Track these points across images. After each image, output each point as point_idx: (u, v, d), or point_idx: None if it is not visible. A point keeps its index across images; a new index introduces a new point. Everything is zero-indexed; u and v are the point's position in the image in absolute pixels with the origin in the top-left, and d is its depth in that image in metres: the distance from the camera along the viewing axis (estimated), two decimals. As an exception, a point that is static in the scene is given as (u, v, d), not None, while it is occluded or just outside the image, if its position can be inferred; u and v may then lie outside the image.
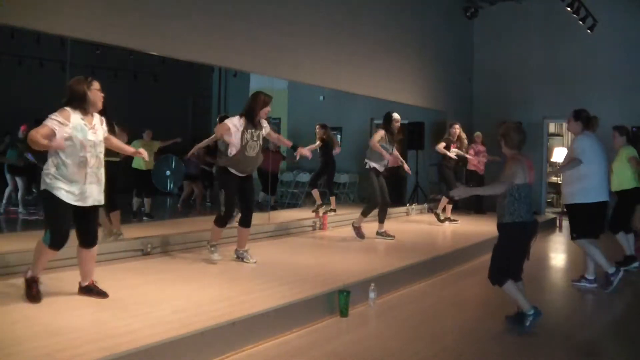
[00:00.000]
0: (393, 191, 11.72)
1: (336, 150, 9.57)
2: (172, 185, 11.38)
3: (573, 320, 5.12)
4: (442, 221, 9.38)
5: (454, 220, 9.62)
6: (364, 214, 7.51)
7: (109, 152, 5.89)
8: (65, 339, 3.38)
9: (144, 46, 6.31)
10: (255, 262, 5.84)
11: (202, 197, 10.76)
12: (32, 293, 4.13)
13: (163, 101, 10.73)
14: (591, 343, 4.49)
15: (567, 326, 4.86)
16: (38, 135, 3.95)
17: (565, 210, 6.15)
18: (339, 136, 12.43)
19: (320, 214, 8.85)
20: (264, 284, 4.91)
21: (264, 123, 5.82)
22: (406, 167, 8.25)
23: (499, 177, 4.45)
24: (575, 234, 5.81)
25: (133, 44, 6.19)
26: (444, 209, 9.63)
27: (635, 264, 6.67)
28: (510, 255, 4.46)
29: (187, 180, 10.52)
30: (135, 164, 8.89)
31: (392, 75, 10.37)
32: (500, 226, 4.46)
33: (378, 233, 7.70)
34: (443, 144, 9.42)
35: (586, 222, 5.71)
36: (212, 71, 11.53)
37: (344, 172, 11.95)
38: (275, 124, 12.71)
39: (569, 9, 10.25)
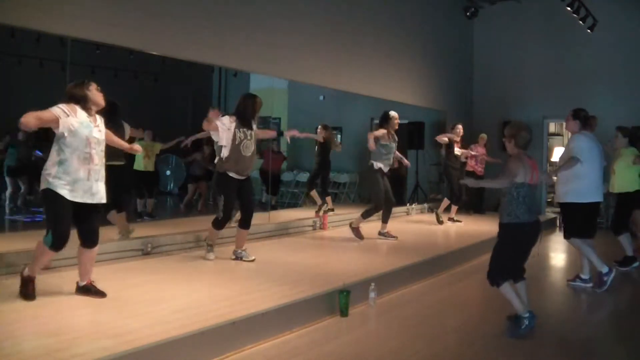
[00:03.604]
0: (393, 191, 11.79)
1: (338, 149, 9.54)
2: (172, 185, 11.38)
3: (572, 320, 5.11)
4: (441, 222, 9.35)
5: (458, 221, 9.62)
6: (365, 216, 7.34)
7: (113, 155, 5.91)
8: (65, 339, 3.37)
9: (144, 46, 6.31)
10: (253, 260, 5.86)
11: (205, 197, 10.74)
12: (28, 291, 4.11)
13: (163, 101, 10.73)
14: (590, 343, 4.48)
15: (566, 326, 4.86)
16: (33, 115, 3.89)
17: (559, 209, 6.10)
18: (339, 136, 12.45)
19: (321, 213, 8.85)
20: (264, 284, 4.90)
21: (254, 122, 5.85)
22: (405, 161, 8.24)
23: (501, 172, 4.42)
24: (568, 233, 5.77)
25: (133, 43, 6.19)
26: (447, 207, 9.63)
27: (635, 264, 6.65)
28: (508, 256, 4.40)
29: (191, 181, 10.47)
30: (136, 166, 8.90)
31: (392, 75, 10.37)
32: (499, 226, 4.43)
33: (380, 233, 7.65)
34: (446, 138, 9.33)
35: (579, 222, 5.65)
36: (212, 71, 11.52)
37: (344, 172, 11.96)
38: (275, 124, 12.73)
39: (569, 8, 10.25)
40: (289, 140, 6.54)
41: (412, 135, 11.66)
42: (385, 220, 7.65)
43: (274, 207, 10.32)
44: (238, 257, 5.91)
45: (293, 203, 11.88)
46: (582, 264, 5.98)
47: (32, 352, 3.17)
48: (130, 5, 6.04)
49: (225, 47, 7.11)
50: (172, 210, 11.28)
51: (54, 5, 5.37)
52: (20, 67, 8.44)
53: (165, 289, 4.70)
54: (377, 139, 7.26)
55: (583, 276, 5.95)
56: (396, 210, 10.68)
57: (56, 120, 4.01)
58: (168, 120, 10.76)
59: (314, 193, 9.43)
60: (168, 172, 11.98)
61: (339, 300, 4.67)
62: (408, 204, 11.18)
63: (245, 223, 5.89)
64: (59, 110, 4.03)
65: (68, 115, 4.05)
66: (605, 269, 5.67)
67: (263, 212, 9.23)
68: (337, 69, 8.95)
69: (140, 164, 8.88)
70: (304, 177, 11.97)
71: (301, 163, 11.97)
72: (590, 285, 5.90)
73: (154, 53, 6.61)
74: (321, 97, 12.39)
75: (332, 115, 11.94)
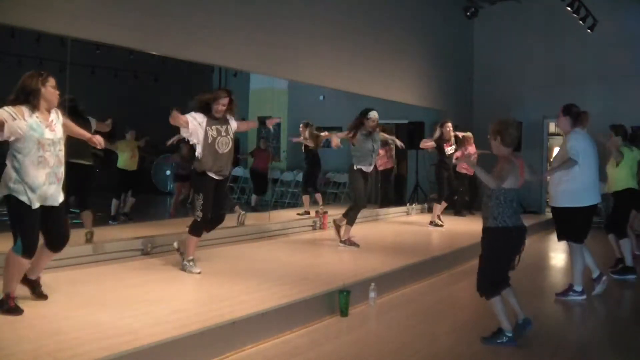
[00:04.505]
0: (393, 191, 11.78)
1: (334, 143, 9.38)
2: (172, 185, 11.37)
3: (570, 322, 5.12)
4: (441, 225, 9.27)
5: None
6: (350, 221, 6.88)
7: (80, 154, 5.80)
8: (65, 339, 3.38)
9: (144, 46, 6.31)
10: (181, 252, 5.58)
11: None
12: (11, 307, 3.81)
13: (163, 101, 10.72)
14: (589, 346, 4.47)
15: (564, 328, 4.86)
16: None
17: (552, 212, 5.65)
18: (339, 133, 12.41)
19: (321, 214, 8.84)
20: (264, 284, 4.91)
21: (230, 117, 5.43)
22: (398, 142, 8.11)
23: (492, 172, 4.08)
24: (563, 235, 5.48)
25: (133, 43, 6.19)
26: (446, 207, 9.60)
27: (632, 276, 6.37)
28: (497, 264, 4.14)
29: (177, 181, 10.29)
30: (120, 164, 8.82)
31: (392, 75, 10.37)
32: (484, 230, 4.16)
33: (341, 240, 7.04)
34: (430, 143, 9.25)
35: (574, 226, 5.34)
36: (212, 71, 11.53)
37: (344, 172, 11.95)
38: (275, 124, 12.70)
39: (569, 8, 10.25)
40: (271, 129, 6.21)
41: (412, 135, 11.64)
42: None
43: (255, 209, 10.20)
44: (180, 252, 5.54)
45: (293, 203, 11.88)
46: (589, 267, 5.86)
47: (32, 352, 3.17)
48: (130, 5, 6.03)
49: (225, 47, 7.10)
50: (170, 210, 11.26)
51: (54, 5, 5.36)
52: (20, 67, 8.45)
53: (165, 289, 4.71)
54: (354, 139, 6.89)
55: (593, 275, 5.84)
56: (396, 210, 10.73)
57: (1, 125, 3.69)
58: (168, 120, 10.76)
59: (306, 198, 9.40)
60: (168, 172, 11.98)
61: (339, 300, 4.67)
62: (408, 204, 11.19)
63: (210, 227, 5.51)
64: (5, 113, 3.72)
65: (15, 119, 3.74)
66: (579, 288, 5.42)
67: (263, 212, 9.24)
68: (337, 69, 8.95)
69: (126, 163, 8.79)
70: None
71: (302, 162, 11.95)
72: (604, 278, 5.71)
73: (154, 53, 6.61)
74: (321, 97, 12.38)
75: (332, 115, 11.93)
